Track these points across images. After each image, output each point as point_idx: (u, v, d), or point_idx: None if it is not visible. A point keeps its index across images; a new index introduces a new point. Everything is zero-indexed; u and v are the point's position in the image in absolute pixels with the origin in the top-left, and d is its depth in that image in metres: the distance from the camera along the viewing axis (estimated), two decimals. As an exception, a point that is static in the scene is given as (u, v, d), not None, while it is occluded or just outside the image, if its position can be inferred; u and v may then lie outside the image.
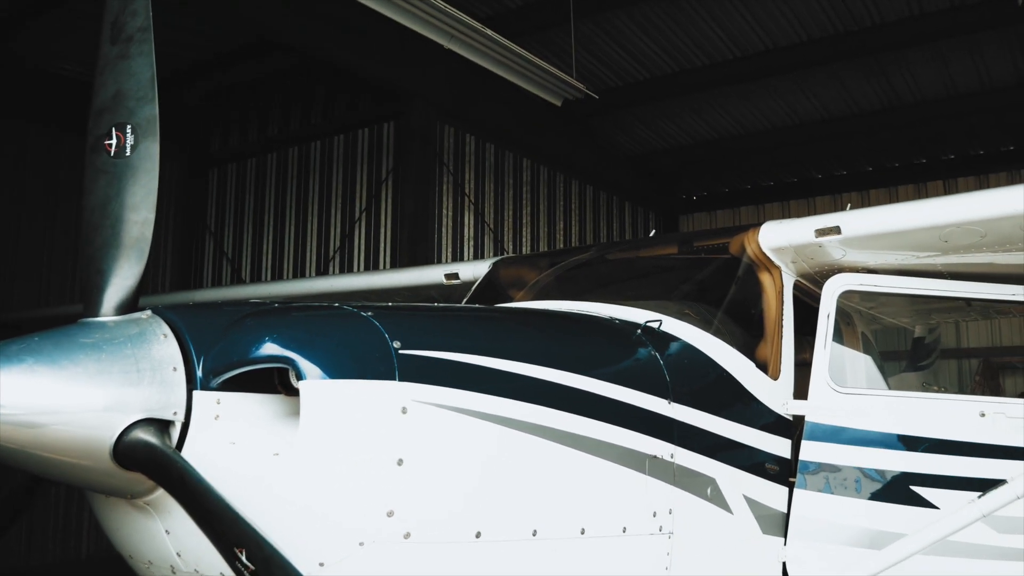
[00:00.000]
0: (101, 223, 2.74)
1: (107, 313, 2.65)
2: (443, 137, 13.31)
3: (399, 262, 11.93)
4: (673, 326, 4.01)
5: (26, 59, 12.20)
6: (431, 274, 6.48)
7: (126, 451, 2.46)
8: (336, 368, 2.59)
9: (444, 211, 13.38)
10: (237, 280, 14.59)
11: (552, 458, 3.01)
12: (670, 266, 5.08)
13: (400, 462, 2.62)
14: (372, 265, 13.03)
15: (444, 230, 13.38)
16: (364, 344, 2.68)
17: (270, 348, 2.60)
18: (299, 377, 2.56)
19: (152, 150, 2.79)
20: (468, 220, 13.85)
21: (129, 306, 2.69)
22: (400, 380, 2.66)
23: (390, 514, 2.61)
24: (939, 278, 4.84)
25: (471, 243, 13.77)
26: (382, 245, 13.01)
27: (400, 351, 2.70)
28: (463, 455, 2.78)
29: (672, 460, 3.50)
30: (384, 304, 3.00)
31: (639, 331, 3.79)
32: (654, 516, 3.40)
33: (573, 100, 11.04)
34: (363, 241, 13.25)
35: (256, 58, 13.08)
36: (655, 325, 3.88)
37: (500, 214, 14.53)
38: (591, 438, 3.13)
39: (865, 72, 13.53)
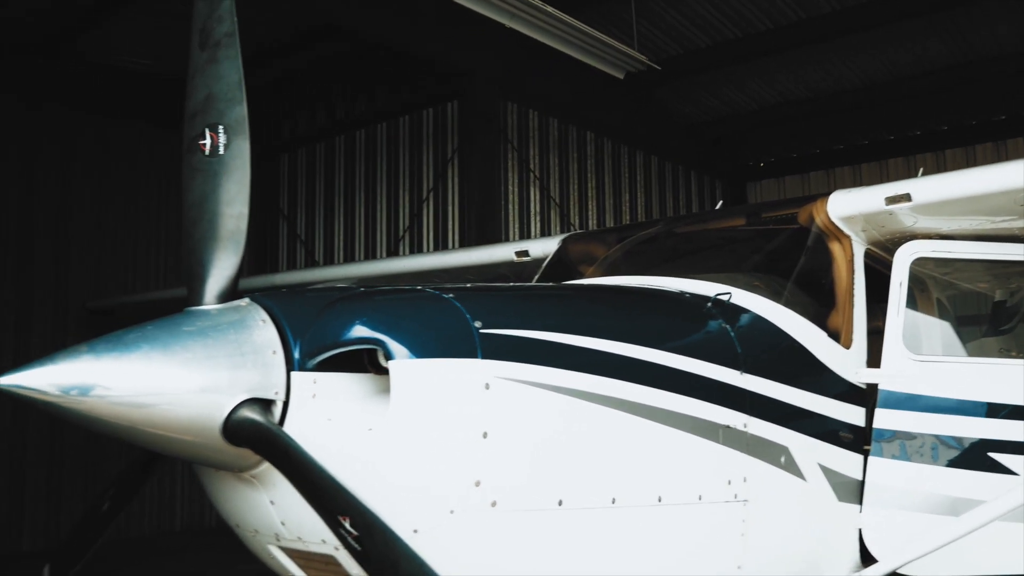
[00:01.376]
0: (199, 218, 2.95)
1: (209, 301, 2.85)
2: (506, 114, 13.38)
3: (467, 240, 12.12)
4: (743, 298, 4.07)
5: (100, 56, 12.60)
6: (501, 252, 6.63)
7: (234, 429, 2.67)
8: (423, 348, 2.75)
9: (510, 187, 13.48)
10: (311, 262, 14.97)
11: (628, 429, 3.13)
12: (739, 238, 5.12)
13: (485, 435, 2.77)
14: (441, 244, 13.24)
15: (511, 206, 13.48)
16: (447, 325, 2.84)
17: (360, 331, 2.78)
18: (388, 357, 2.73)
19: (243, 148, 2.97)
20: (534, 196, 13.92)
21: (229, 294, 2.89)
22: (482, 358, 2.81)
23: (477, 483, 2.77)
24: (1017, 242, 4.79)
25: (537, 218, 13.86)
26: (450, 224, 13.17)
27: (481, 330, 2.85)
28: (544, 427, 2.92)
29: (745, 429, 3.59)
30: (462, 285, 3.15)
31: (709, 304, 3.87)
32: (729, 484, 3.50)
33: (635, 72, 11.02)
34: (432, 220, 13.43)
35: (318, 42, 13.30)
36: (725, 298, 3.95)
37: (565, 189, 14.57)
38: (665, 409, 3.25)
39: (938, 28, 13.16)
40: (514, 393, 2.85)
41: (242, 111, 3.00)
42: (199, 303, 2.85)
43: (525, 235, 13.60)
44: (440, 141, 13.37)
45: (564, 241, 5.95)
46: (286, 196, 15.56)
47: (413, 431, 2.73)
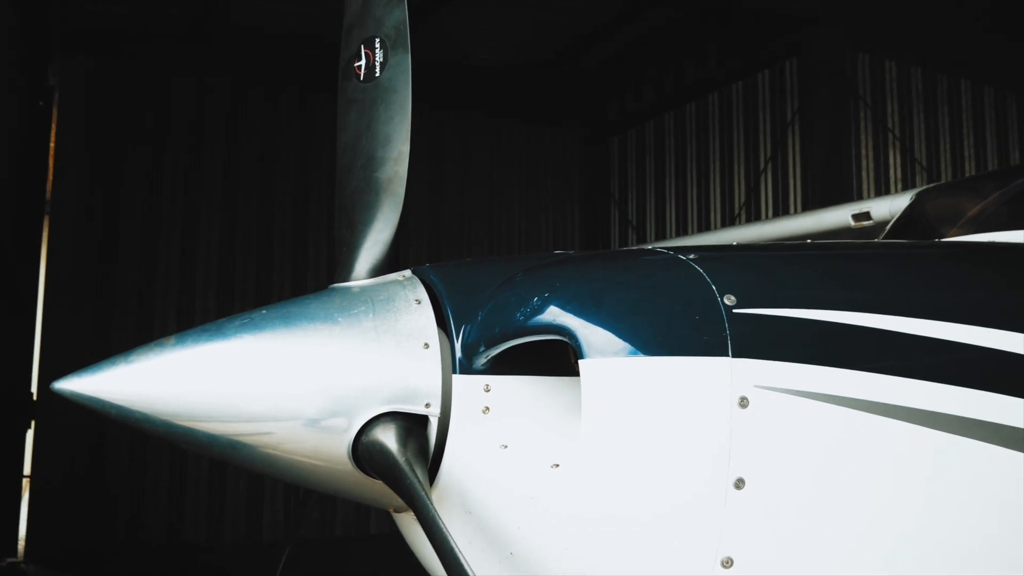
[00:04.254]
0: (352, 165, 2.21)
1: (360, 276, 2.09)
2: (856, 66, 11.58)
3: (811, 213, 10.55)
4: None
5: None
6: (834, 216, 5.22)
7: (364, 454, 1.87)
8: (634, 339, 1.73)
9: (863, 151, 11.76)
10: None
11: (998, 477, 1.84)
12: None
13: (739, 483, 1.68)
14: (781, 220, 11.78)
15: (864, 173, 11.76)
16: (678, 302, 1.78)
17: (540, 313, 1.81)
18: (579, 355, 1.75)
19: (403, 63, 2.19)
20: (893, 160, 12.02)
21: (384, 266, 2.10)
22: (735, 356, 1.71)
23: (727, 563, 1.68)
24: None
25: (898, 185, 11.91)
26: (791, 196, 11.77)
27: (735, 310, 1.75)
28: (842, 472, 1.75)
29: None
30: (714, 244, 2.06)
31: None
32: None
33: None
34: (770, 193, 12.12)
35: (640, 16, 12.43)
36: None
37: (934, 149, 12.38)
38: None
39: None
40: (788, 414, 1.71)
41: (402, 14, 2.23)
42: (346, 278, 2.10)
43: (883, 206, 11.65)
44: (778, 105, 12.00)
45: (919, 196, 4.45)
46: (616, 180, 14.96)
47: (618, 474, 1.71)
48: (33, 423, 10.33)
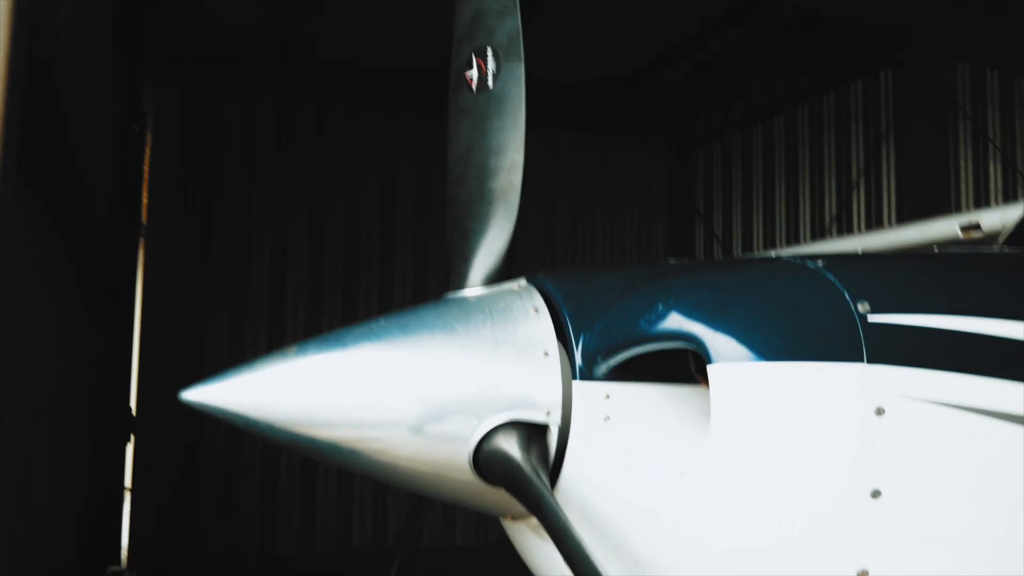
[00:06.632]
0: (465, 175, 2.22)
1: (474, 285, 2.09)
2: (955, 76, 11.19)
3: (907, 228, 10.22)
4: None
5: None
6: (941, 227, 5.02)
7: (486, 462, 1.86)
8: (764, 345, 1.69)
9: (962, 163, 11.35)
10: (728, 263, 13.98)
11: None
12: None
13: (876, 494, 1.62)
14: (875, 234, 11.46)
15: (963, 185, 11.34)
16: (810, 308, 1.73)
17: (665, 321, 1.79)
18: (706, 360, 1.71)
19: (516, 72, 2.19)
20: (994, 171, 11.53)
21: (498, 274, 2.10)
22: (870, 362, 1.65)
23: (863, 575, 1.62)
24: None
25: (999, 198, 11.44)
26: (885, 210, 11.42)
27: (869, 316, 1.69)
28: (979, 483, 1.67)
29: None
30: (839, 252, 2.00)
31: None
32: None
33: None
34: (863, 207, 11.80)
35: (729, 28, 12.29)
36: None
37: (1037, 160, 11.84)
38: None
39: None
40: (925, 424, 1.65)
41: (515, 24, 2.22)
42: (461, 287, 2.11)
43: (984, 219, 11.22)
44: (871, 116, 11.68)
45: (1034, 205, 4.27)
46: (702, 194, 14.76)
47: (749, 482, 1.66)
48: (133, 437, 10.77)
